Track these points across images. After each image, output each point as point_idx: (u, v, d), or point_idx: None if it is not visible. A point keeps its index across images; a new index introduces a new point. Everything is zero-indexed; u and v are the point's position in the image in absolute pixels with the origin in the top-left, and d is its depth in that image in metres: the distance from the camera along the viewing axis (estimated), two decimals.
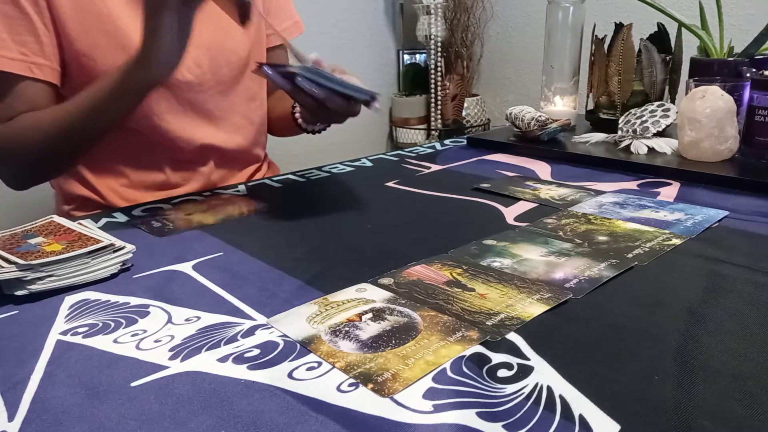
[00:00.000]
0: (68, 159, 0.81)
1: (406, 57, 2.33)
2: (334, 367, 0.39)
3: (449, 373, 0.38)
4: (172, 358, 0.41)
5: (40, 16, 0.73)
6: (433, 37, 2.10)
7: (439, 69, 2.14)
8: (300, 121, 0.92)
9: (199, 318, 0.46)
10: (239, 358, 0.41)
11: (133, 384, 0.38)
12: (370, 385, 0.37)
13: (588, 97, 1.13)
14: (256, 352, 0.41)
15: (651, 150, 0.89)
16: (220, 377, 0.39)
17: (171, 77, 0.73)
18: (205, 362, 0.40)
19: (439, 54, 2.13)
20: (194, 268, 0.56)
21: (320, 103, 0.71)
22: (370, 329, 0.43)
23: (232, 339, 0.43)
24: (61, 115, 0.73)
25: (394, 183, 0.82)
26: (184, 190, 0.88)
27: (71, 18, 0.75)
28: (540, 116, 0.98)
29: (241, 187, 0.83)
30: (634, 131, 0.95)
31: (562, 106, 1.09)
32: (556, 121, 0.98)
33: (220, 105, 0.89)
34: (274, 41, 0.98)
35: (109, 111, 0.73)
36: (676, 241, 0.58)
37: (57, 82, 0.76)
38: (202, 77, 0.85)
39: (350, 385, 0.37)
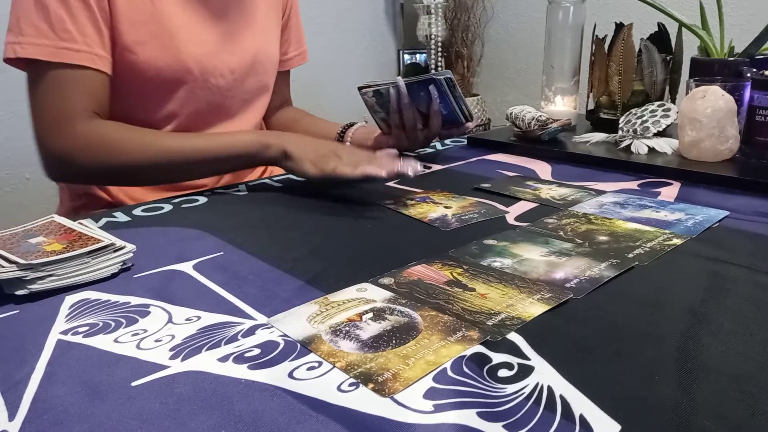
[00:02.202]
0: (147, 182, 0.84)
1: (407, 57, 2.33)
2: (334, 366, 0.39)
3: (450, 373, 0.38)
4: (172, 357, 0.41)
5: (99, 7, 0.74)
6: (433, 37, 2.10)
7: (439, 69, 2.14)
8: None
9: (199, 318, 0.46)
10: (240, 358, 0.41)
11: (134, 384, 0.38)
12: (371, 385, 0.37)
13: (588, 97, 1.13)
14: (257, 351, 0.41)
15: (651, 150, 0.89)
16: (221, 377, 0.39)
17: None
18: (206, 362, 0.40)
19: (440, 54, 2.13)
20: (195, 267, 0.56)
21: (425, 121, 0.79)
22: (370, 329, 0.43)
23: (233, 339, 0.43)
24: (174, 148, 0.76)
25: (394, 183, 0.82)
26: (192, 189, 0.88)
27: (122, 12, 0.77)
28: (540, 116, 0.98)
29: (242, 187, 0.83)
30: (635, 131, 0.95)
31: (562, 106, 1.09)
32: (557, 121, 0.98)
33: (243, 110, 0.93)
34: (284, 67, 1.03)
35: (218, 168, 0.81)
36: (677, 241, 0.58)
37: (110, 73, 0.77)
38: (233, 83, 0.89)
39: (351, 384, 0.37)
